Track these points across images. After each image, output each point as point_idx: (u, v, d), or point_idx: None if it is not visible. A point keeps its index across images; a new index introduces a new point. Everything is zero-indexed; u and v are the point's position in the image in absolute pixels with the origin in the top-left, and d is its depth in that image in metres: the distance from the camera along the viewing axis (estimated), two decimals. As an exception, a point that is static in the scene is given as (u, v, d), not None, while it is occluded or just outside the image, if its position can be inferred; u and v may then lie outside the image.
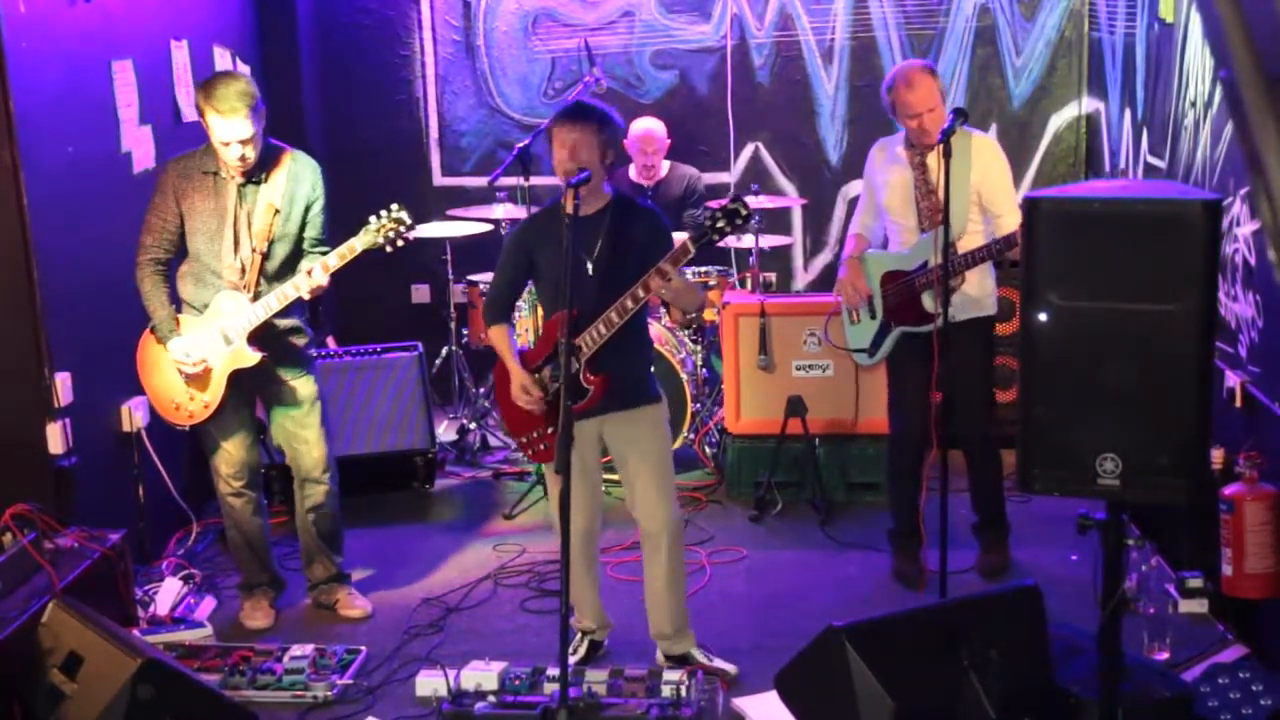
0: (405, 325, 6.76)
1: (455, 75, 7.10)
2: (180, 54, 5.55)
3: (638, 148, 6.38)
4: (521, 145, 6.26)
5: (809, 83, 6.94)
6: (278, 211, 4.32)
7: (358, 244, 4.28)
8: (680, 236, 4.07)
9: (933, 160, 4.53)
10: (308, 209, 4.38)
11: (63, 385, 4.50)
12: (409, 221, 4.33)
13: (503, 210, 6.32)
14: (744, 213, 3.80)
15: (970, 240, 4.55)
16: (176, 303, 4.45)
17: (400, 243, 4.34)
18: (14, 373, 4.40)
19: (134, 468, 5.02)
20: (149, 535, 5.07)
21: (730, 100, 6.94)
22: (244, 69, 6.18)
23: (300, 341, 4.56)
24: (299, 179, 4.36)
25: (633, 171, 6.48)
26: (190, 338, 4.34)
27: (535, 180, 6.32)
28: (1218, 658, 4.02)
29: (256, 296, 4.33)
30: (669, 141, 6.50)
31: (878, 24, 6.84)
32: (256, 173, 4.30)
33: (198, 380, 4.37)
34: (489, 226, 6.43)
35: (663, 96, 6.99)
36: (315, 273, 4.26)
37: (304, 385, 4.55)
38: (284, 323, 4.45)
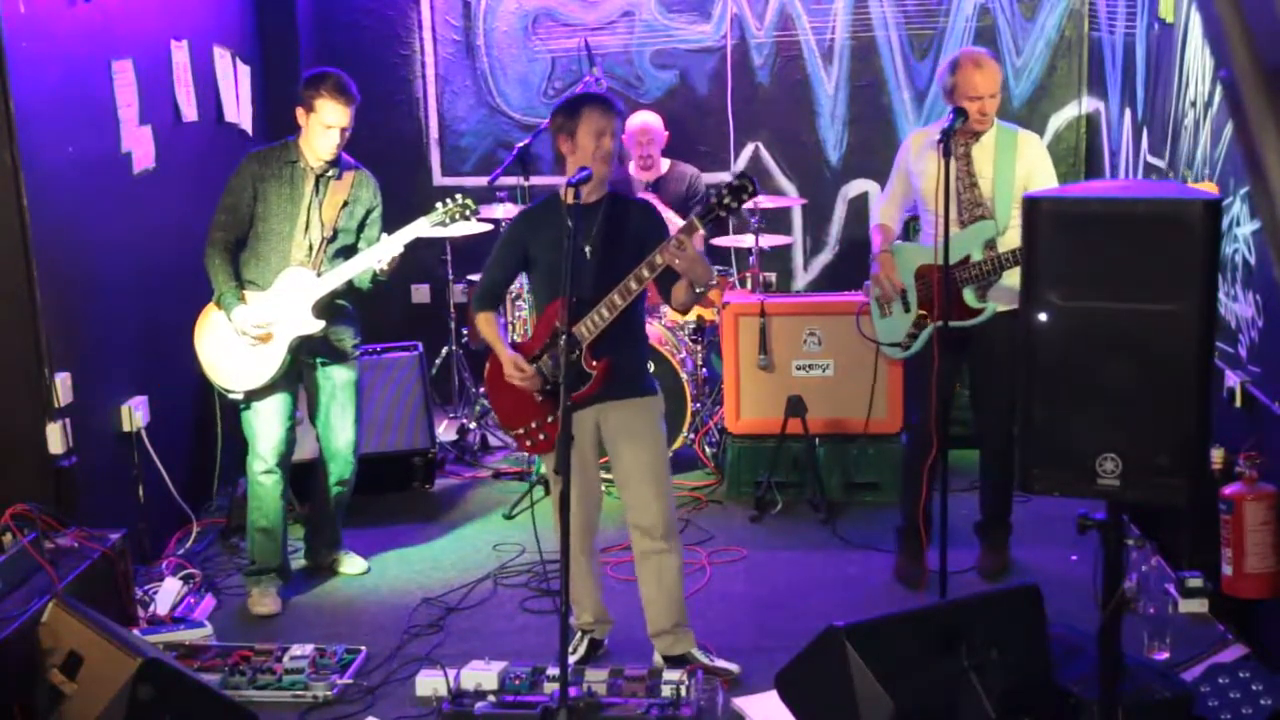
0: (405, 325, 6.76)
1: (455, 75, 7.10)
2: (180, 54, 5.55)
3: (635, 140, 6.39)
4: (521, 145, 6.26)
5: (809, 83, 6.93)
6: (345, 205, 4.76)
7: (425, 222, 4.75)
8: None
9: (977, 151, 4.53)
10: (368, 213, 4.83)
11: (63, 385, 4.50)
12: (474, 206, 4.85)
13: (503, 210, 6.32)
14: (750, 189, 3.82)
15: (1012, 236, 4.47)
16: (240, 282, 4.71)
17: (462, 221, 4.87)
18: (14, 373, 4.40)
19: (134, 468, 5.02)
20: (149, 535, 5.06)
21: (730, 100, 6.94)
22: (244, 69, 6.19)
23: (351, 326, 4.91)
24: (364, 185, 4.84)
25: (632, 167, 6.48)
26: (255, 307, 4.64)
27: (535, 180, 6.32)
28: (1218, 658, 4.02)
29: (320, 274, 4.70)
30: (667, 135, 6.50)
31: (878, 24, 6.84)
32: (333, 171, 4.73)
33: (261, 344, 4.64)
34: (489, 226, 6.43)
35: (663, 96, 6.99)
36: (390, 243, 4.66)
37: (351, 365, 4.92)
38: (340, 306, 4.82)
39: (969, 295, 4.51)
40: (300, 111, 4.66)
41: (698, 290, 3.94)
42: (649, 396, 4.12)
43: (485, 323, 4.20)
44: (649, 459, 4.08)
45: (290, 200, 4.68)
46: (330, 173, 4.72)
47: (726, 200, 3.83)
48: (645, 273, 3.87)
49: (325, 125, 4.61)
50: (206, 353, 4.73)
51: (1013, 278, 4.58)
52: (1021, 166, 4.53)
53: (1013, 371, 4.65)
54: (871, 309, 4.85)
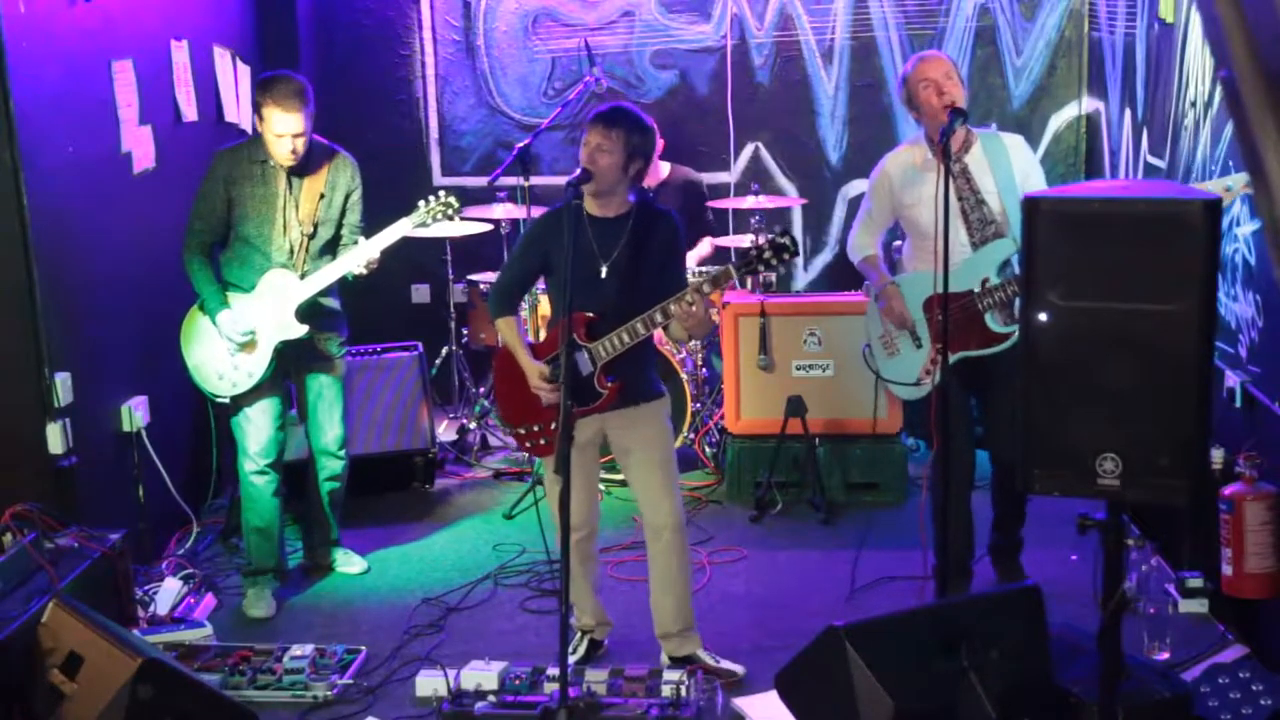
0: (405, 325, 6.76)
1: (455, 75, 7.10)
2: (180, 54, 5.55)
3: None
4: (521, 145, 6.25)
5: (809, 83, 6.93)
6: (322, 196, 4.67)
7: (407, 223, 4.69)
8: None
9: (971, 160, 4.32)
10: (347, 197, 4.74)
11: (63, 385, 4.49)
12: (457, 205, 4.79)
13: (503, 210, 6.32)
14: (791, 248, 3.82)
15: None
16: (222, 285, 4.68)
17: (444, 220, 4.81)
18: (14, 373, 4.40)
19: (134, 468, 5.02)
20: (149, 535, 5.07)
21: (730, 100, 6.94)
22: (244, 69, 6.19)
23: (336, 330, 4.89)
24: (341, 170, 4.73)
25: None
26: (239, 311, 4.61)
27: (535, 180, 6.32)
28: (1218, 658, 4.02)
29: (304, 275, 4.65)
30: (663, 142, 6.47)
31: (878, 24, 6.84)
32: (305, 164, 4.61)
33: (246, 350, 4.61)
34: (489, 226, 6.43)
35: (663, 96, 6.99)
36: (369, 247, 4.62)
37: (337, 367, 4.90)
38: (325, 308, 4.78)
39: (991, 321, 4.29)
40: (255, 118, 4.58)
41: (690, 338, 3.99)
42: (655, 401, 4.12)
43: (506, 327, 4.17)
44: (658, 459, 4.08)
45: (264, 201, 4.61)
46: (303, 169, 4.63)
47: (767, 255, 3.82)
48: (673, 308, 3.84)
49: (275, 135, 4.51)
50: (192, 358, 4.71)
51: None
52: (1018, 171, 4.32)
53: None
54: (874, 348, 4.58)
